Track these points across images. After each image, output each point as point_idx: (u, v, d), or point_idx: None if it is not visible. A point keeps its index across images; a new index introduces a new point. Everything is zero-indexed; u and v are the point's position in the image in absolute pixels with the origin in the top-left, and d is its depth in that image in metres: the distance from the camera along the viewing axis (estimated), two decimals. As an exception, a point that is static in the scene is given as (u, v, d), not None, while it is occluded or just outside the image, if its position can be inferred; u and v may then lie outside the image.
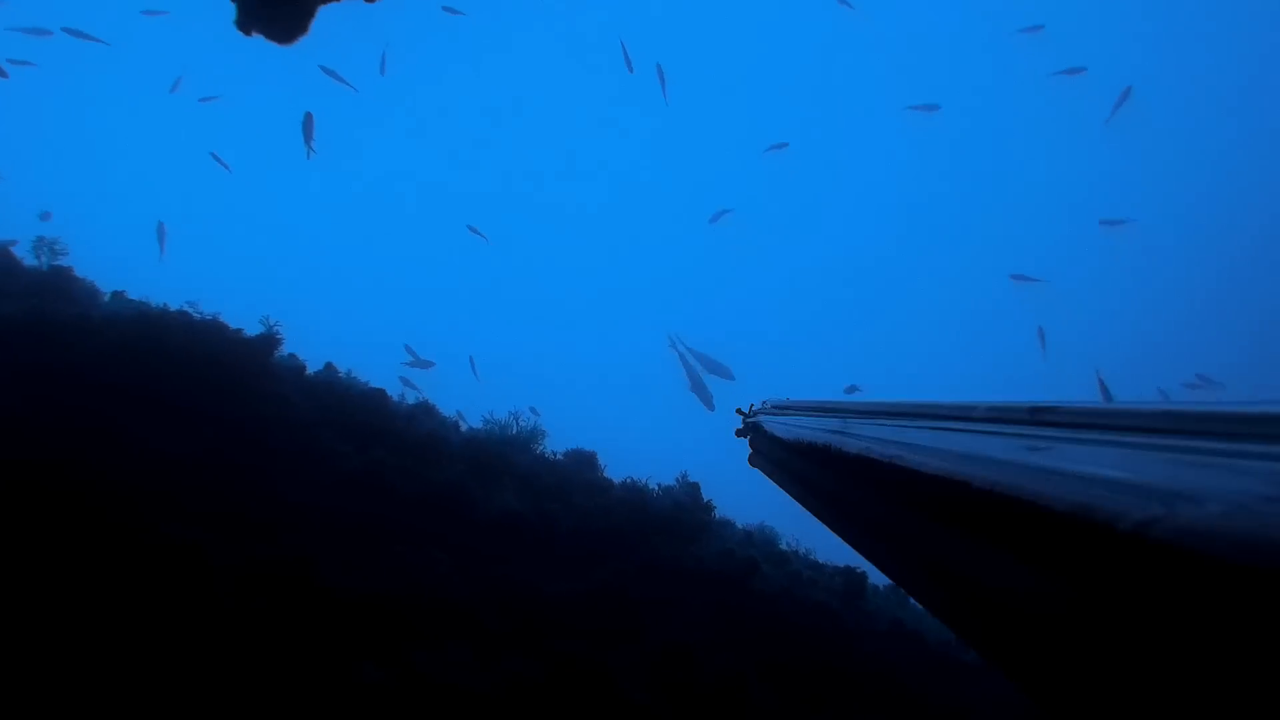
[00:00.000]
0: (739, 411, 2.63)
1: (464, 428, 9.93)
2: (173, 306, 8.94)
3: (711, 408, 16.35)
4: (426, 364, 24.38)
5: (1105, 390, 14.09)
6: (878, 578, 9.92)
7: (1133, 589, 0.42)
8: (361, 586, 4.68)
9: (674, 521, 9.21)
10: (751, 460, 2.24)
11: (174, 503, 5.33)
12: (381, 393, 9.33)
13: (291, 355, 9.60)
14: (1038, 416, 0.82)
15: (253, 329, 8.84)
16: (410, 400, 9.98)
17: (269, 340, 8.56)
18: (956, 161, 49.88)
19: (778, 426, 1.77)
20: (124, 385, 6.70)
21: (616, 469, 10.83)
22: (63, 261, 9.97)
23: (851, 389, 18.25)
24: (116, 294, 9.74)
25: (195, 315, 8.67)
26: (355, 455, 7.31)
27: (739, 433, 2.52)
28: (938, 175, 50.66)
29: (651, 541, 7.76)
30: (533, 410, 10.53)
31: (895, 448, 0.90)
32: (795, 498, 1.60)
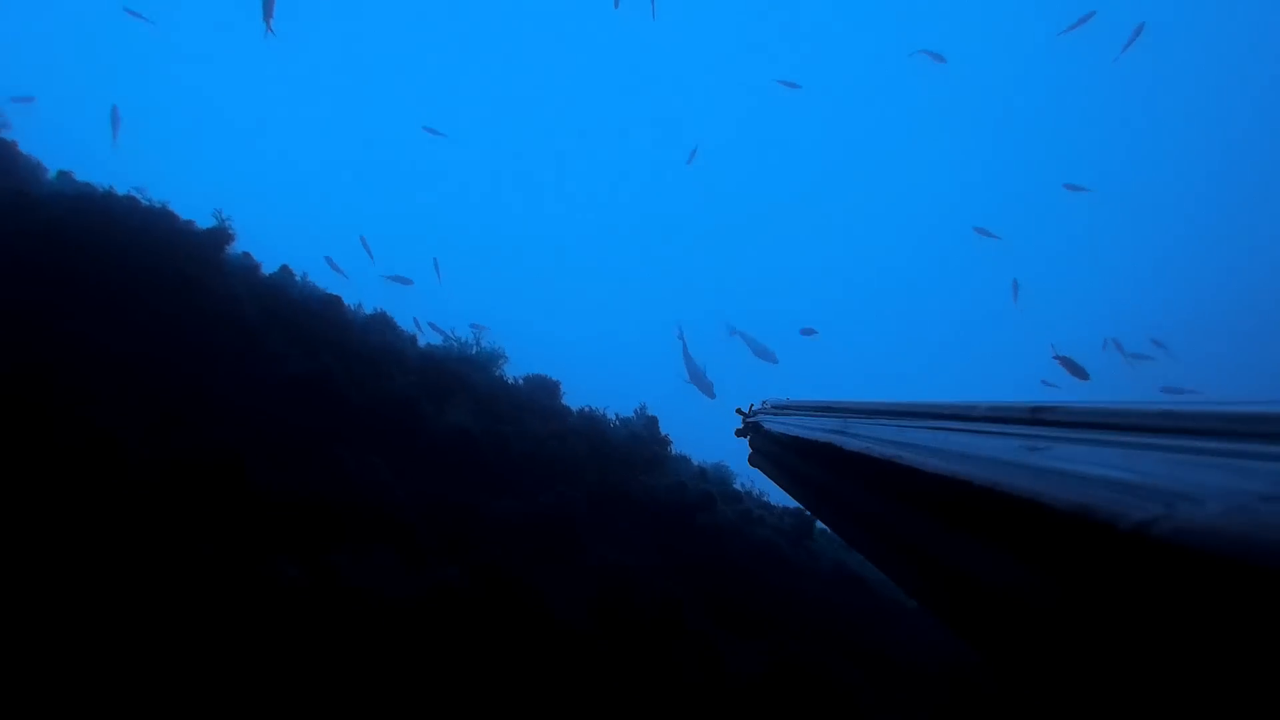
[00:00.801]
0: (739, 411, 2.67)
1: (422, 343, 9.65)
2: (120, 191, 8.50)
3: (712, 396, 16.71)
4: (405, 281, 24.00)
5: (1074, 365, 14.13)
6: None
7: (1133, 588, 0.42)
8: (291, 485, 4.46)
9: (629, 452, 9.09)
10: (752, 460, 2.29)
11: (98, 392, 5.04)
12: (337, 300, 8.99)
13: (245, 254, 9.22)
14: (1038, 416, 0.84)
15: (205, 223, 8.47)
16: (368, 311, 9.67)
17: (220, 234, 8.17)
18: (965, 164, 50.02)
19: (778, 426, 1.78)
20: (57, 266, 6.31)
21: (579, 400, 10.68)
22: (6, 134, 9.40)
23: (808, 331, 18.41)
24: (62, 173, 9.22)
25: (143, 201, 8.23)
26: (302, 359, 7.02)
27: (739, 432, 2.56)
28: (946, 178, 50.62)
29: (604, 471, 7.61)
30: (476, 327, 10.22)
31: (895, 447, 0.91)
32: (796, 497, 1.63)
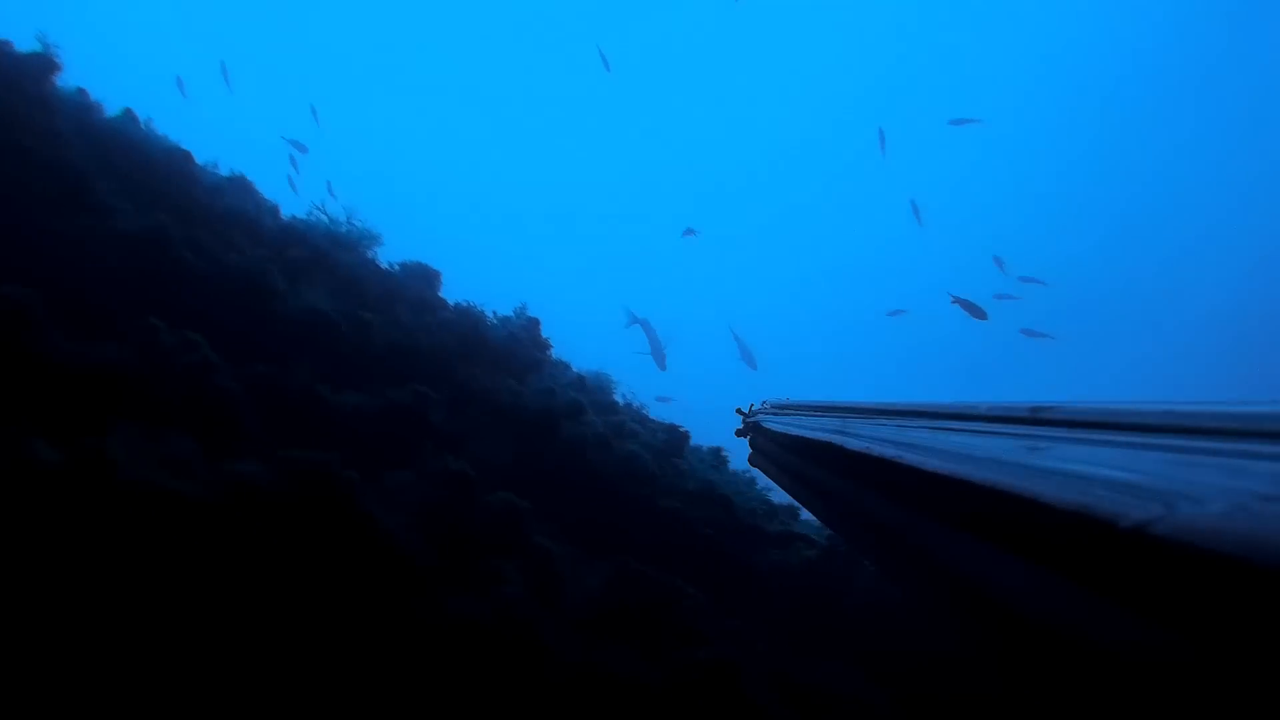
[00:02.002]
0: (739, 411, 2.71)
1: (285, 215, 8.78)
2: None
3: (663, 368, 17.63)
4: (301, 148, 22.53)
5: (973, 306, 14.49)
6: (703, 439, 9.89)
7: (1133, 586, 0.43)
8: (85, 356, 3.83)
9: (505, 354, 8.65)
10: (752, 460, 2.33)
11: None
12: (186, 155, 8.00)
13: (80, 90, 8.05)
14: (1038, 416, 0.85)
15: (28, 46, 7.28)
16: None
17: (44, 62, 7.04)
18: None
19: (778, 425, 1.77)
20: None
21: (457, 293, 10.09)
22: None
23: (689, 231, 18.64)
24: None
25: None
26: (133, 215, 6.17)
27: (739, 432, 2.60)
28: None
29: (474, 370, 7.17)
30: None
31: (895, 447, 0.92)
32: (795, 496, 1.63)
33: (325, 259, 8.15)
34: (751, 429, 2.33)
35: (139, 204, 6.45)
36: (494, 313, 9.15)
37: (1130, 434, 0.67)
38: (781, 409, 2.18)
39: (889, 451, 0.90)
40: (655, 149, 56.50)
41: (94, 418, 3.52)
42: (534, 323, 9.50)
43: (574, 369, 10.12)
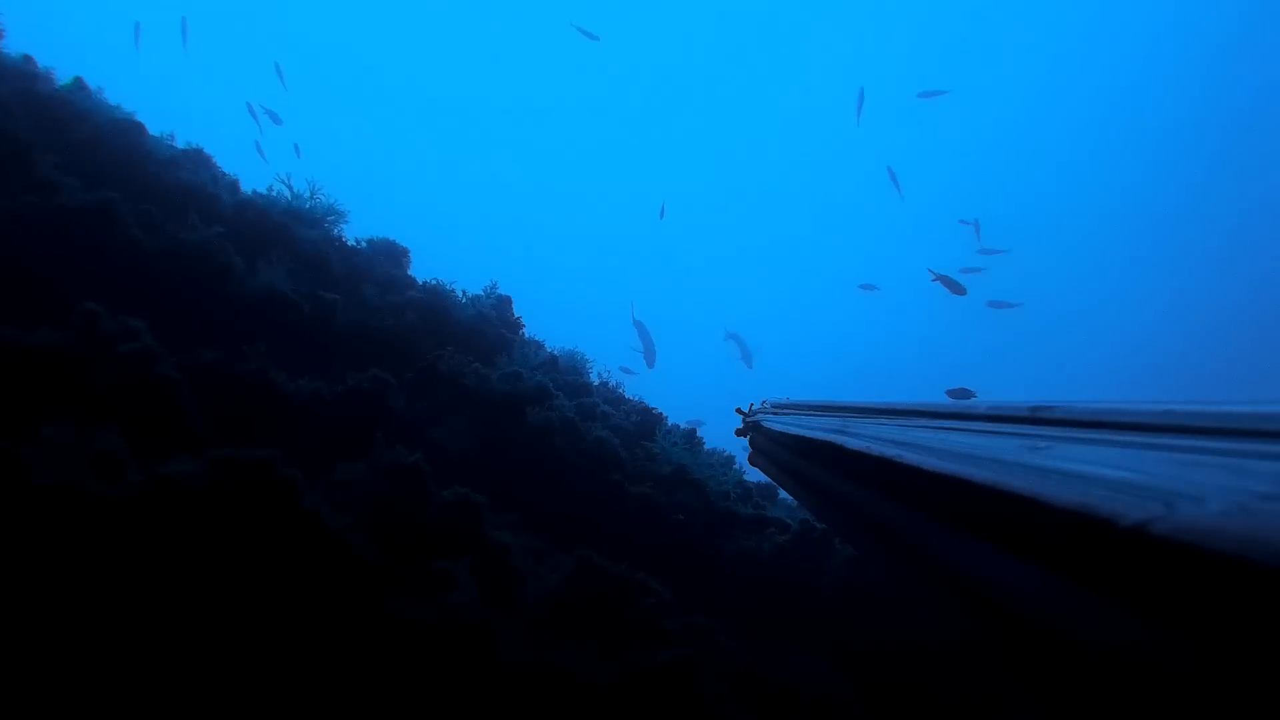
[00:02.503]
0: (739, 411, 2.71)
1: (246, 189, 8.47)
2: None
3: (651, 366, 18.71)
4: (276, 118, 22.18)
5: (952, 282, 14.61)
6: (680, 419, 9.76)
7: (1133, 586, 0.43)
8: (14, 339, 3.61)
9: (473, 333, 8.45)
10: (752, 459, 2.33)
11: None
12: (139, 127, 7.68)
13: (27, 57, 7.71)
14: (1038, 415, 0.87)
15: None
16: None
17: (-21, 27, 6.69)
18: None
19: (778, 425, 1.79)
20: None
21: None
22: None
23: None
24: None
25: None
26: (79, 190, 5.89)
27: (739, 432, 2.60)
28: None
29: (439, 353, 6.96)
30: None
31: (895, 446, 0.92)
32: (795, 496, 1.64)
33: (287, 235, 7.88)
34: (751, 428, 2.33)
35: (86, 178, 6.16)
36: (463, 292, 8.92)
37: (1130, 433, 0.68)
38: (781, 408, 2.20)
39: (888, 450, 0.91)
40: (637, 137, 56.22)
41: (20, 410, 3.31)
42: (504, 301, 9.28)
43: (547, 348, 9.93)
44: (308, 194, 8.64)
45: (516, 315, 9.44)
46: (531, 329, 9.91)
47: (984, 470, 0.65)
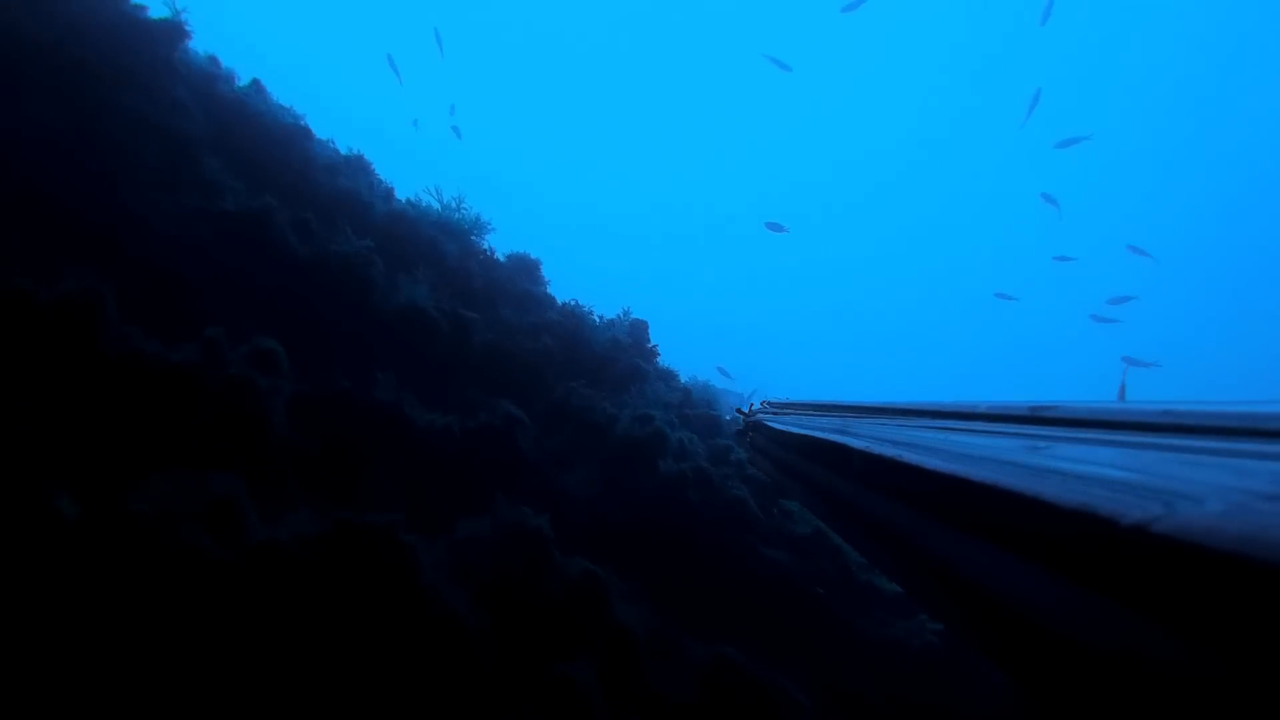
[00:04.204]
0: (739, 411, 2.74)
1: (399, 199, 8.51)
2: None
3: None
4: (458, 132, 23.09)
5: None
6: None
7: (1133, 585, 0.43)
8: (147, 362, 3.50)
9: (607, 362, 8.17)
10: (751, 460, 2.34)
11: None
12: (306, 132, 7.81)
13: (212, 58, 7.97)
14: (1038, 414, 0.89)
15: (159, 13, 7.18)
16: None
17: (172, 29, 6.91)
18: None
19: (778, 425, 1.79)
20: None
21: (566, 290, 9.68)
22: None
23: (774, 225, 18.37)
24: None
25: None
26: (242, 194, 5.95)
27: (740, 434, 2.66)
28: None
29: (572, 383, 6.69)
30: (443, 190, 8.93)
31: (896, 446, 0.92)
32: (795, 496, 1.61)
33: (433, 248, 7.85)
34: (751, 428, 2.30)
35: (251, 182, 6.24)
36: (599, 316, 8.68)
37: (1130, 433, 0.68)
38: (781, 409, 2.19)
39: (888, 450, 0.90)
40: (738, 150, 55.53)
41: (144, 440, 3.17)
42: (639, 326, 8.96)
43: (680, 379, 9.55)
44: (454, 205, 8.61)
45: (652, 343, 9.12)
46: (662, 337, 9.55)
47: (984, 470, 0.64)
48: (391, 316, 6.18)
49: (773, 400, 2.44)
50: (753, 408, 2.43)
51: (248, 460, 3.18)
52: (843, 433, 1.20)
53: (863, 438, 1.06)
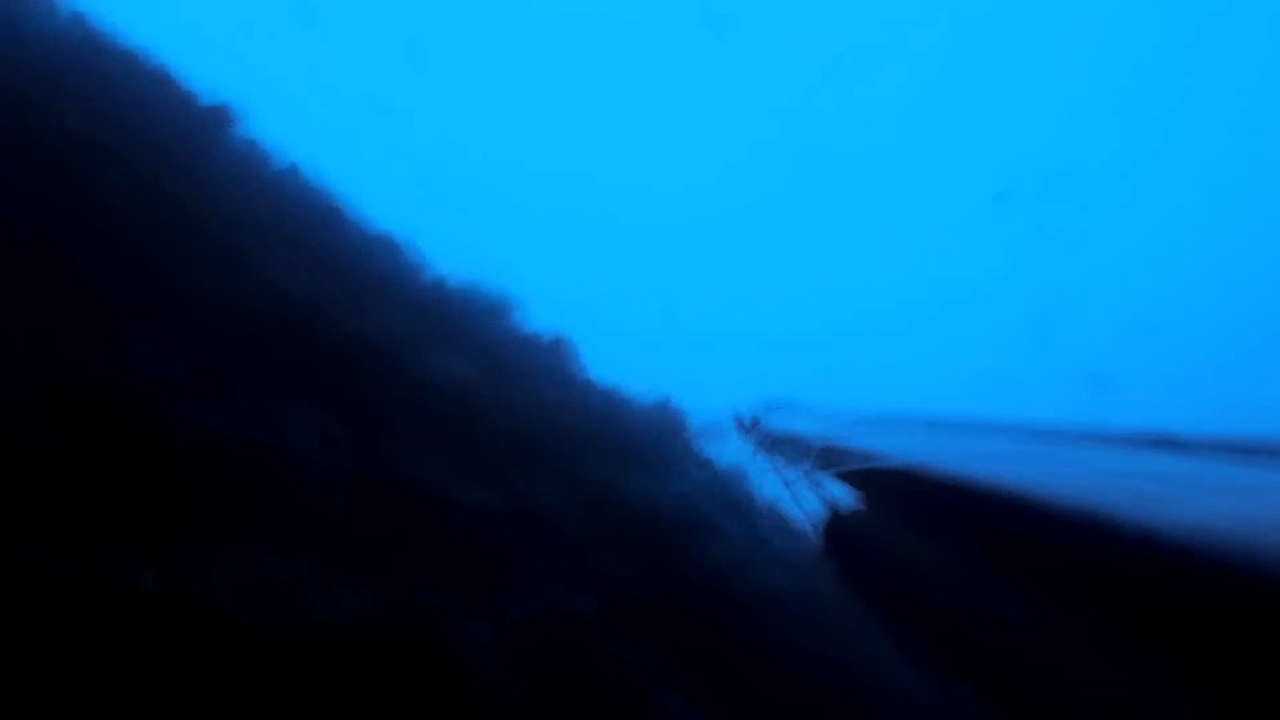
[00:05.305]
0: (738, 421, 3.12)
1: (433, 274, 8.56)
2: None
3: None
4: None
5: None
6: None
7: (1136, 591, 0.58)
8: (212, 436, 3.44)
9: (648, 444, 8.02)
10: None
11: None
12: (350, 206, 7.94)
13: (254, 140, 8.16)
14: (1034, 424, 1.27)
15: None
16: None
17: (221, 115, 7.13)
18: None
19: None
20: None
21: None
22: None
23: None
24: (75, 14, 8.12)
25: (143, 61, 7.21)
26: (286, 271, 5.97)
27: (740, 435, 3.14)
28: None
29: (611, 465, 6.55)
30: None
31: (898, 451, 1.12)
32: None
33: (475, 326, 7.85)
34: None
35: (295, 259, 6.29)
36: (637, 400, 8.61)
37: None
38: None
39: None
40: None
41: (215, 514, 3.08)
42: (677, 412, 8.88)
43: (717, 464, 9.37)
44: (487, 286, 8.66)
45: (690, 428, 8.99)
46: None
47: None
48: (437, 393, 6.11)
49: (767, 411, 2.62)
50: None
51: (310, 537, 3.08)
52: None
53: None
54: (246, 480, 3.34)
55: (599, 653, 3.53)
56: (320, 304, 5.85)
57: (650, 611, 4.89)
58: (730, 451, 9.10)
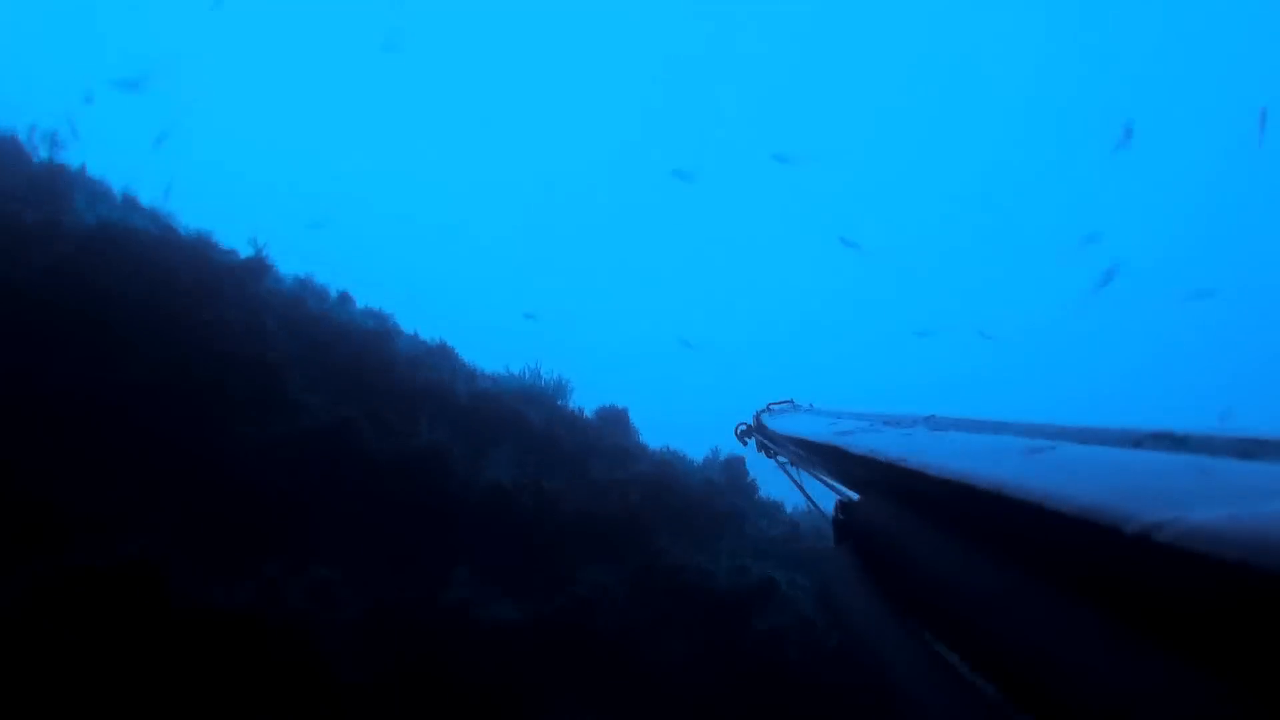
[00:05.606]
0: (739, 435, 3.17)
1: (485, 374, 8.82)
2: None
3: None
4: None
5: None
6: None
7: (1140, 590, 0.46)
8: (215, 608, 3.62)
9: (702, 506, 7.93)
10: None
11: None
12: (388, 334, 8.31)
13: (302, 282, 8.71)
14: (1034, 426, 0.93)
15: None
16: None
17: (256, 266, 7.62)
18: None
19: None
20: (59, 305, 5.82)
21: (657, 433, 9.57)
22: (64, 156, 9.06)
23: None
24: (127, 198, 8.94)
25: (179, 231, 7.83)
26: (321, 411, 6.29)
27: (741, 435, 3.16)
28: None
29: (659, 539, 6.50)
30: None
31: (898, 449, 1.01)
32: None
33: (517, 419, 8.00)
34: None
35: (332, 394, 6.61)
36: (691, 461, 8.54)
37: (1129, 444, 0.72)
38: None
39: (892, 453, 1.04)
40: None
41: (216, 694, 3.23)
42: (735, 463, 8.73)
43: (786, 509, 9.14)
44: (535, 372, 8.83)
45: (751, 478, 8.83)
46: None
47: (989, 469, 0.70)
48: (474, 501, 6.25)
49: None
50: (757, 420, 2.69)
51: (310, 708, 3.19)
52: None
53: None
54: (242, 651, 3.49)
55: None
56: (351, 435, 6.12)
57: (703, 687, 4.78)
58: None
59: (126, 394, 5.52)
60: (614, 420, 9.29)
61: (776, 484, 9.44)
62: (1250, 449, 0.57)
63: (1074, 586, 0.58)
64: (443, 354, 8.75)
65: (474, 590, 4.80)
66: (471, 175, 49.42)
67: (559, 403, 8.94)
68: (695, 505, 7.77)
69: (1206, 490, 0.47)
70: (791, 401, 2.87)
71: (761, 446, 2.85)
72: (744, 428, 3.15)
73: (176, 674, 3.39)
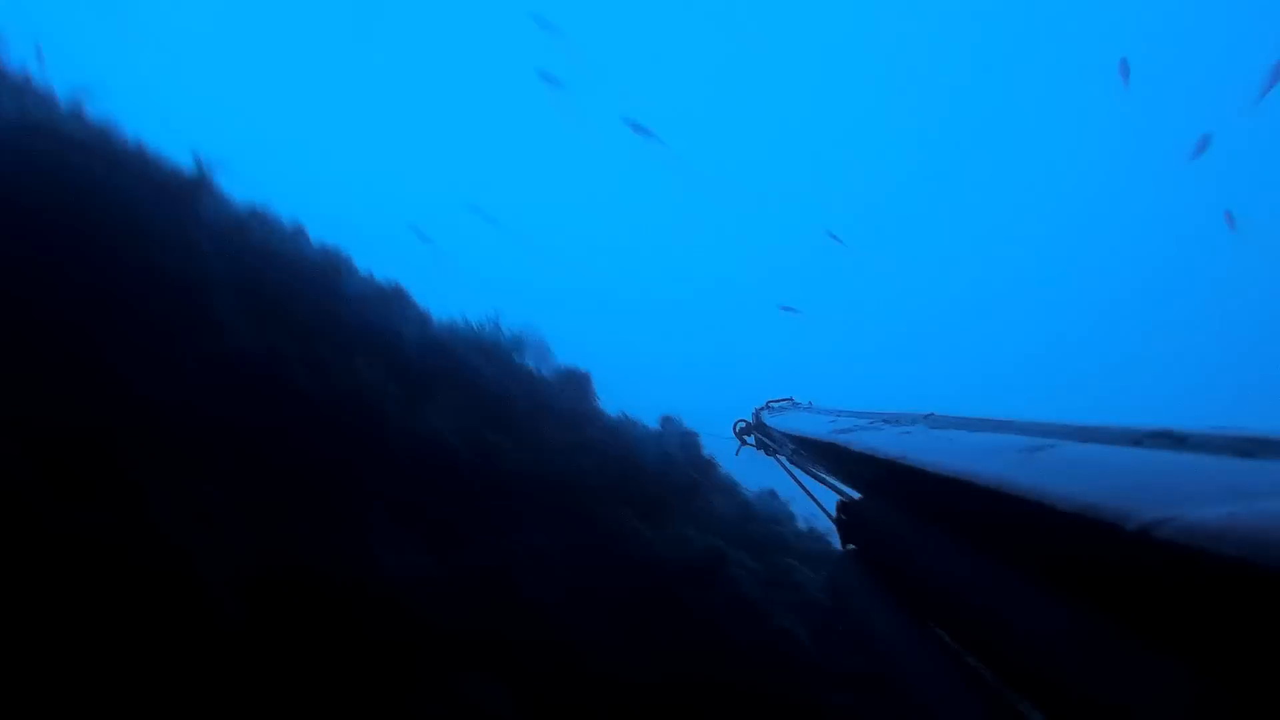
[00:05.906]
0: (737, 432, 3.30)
1: (434, 324, 8.31)
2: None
3: None
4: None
5: None
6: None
7: (1140, 586, 0.45)
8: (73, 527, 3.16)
9: (657, 477, 7.53)
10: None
11: None
12: (337, 269, 7.78)
13: (255, 209, 8.13)
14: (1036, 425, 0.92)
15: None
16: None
17: (197, 185, 7.06)
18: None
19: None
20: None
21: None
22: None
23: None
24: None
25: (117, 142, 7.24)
26: (247, 336, 5.79)
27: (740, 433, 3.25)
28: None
29: (606, 506, 6.09)
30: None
31: (898, 447, 0.98)
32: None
33: (468, 372, 7.54)
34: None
35: (259, 322, 6.11)
36: (647, 427, 8.14)
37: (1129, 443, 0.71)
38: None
39: (891, 450, 0.99)
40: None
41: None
42: (690, 437, 8.35)
43: (743, 491, 8.78)
44: (493, 325, 8.35)
45: (707, 455, 8.44)
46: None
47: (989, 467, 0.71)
48: (406, 448, 5.80)
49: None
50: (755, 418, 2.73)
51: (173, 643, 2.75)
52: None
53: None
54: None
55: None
56: (278, 366, 5.63)
57: (632, 681, 4.40)
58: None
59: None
60: (575, 382, 8.87)
61: (773, 478, 9.08)
62: (1249, 448, 0.56)
63: (1075, 583, 0.57)
64: (394, 295, 8.24)
65: (389, 537, 4.35)
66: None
67: (515, 359, 8.48)
68: (647, 475, 7.37)
69: (1206, 488, 0.45)
70: (791, 399, 2.92)
71: (761, 444, 2.89)
72: (743, 425, 3.19)
73: (35, 599, 2.95)
